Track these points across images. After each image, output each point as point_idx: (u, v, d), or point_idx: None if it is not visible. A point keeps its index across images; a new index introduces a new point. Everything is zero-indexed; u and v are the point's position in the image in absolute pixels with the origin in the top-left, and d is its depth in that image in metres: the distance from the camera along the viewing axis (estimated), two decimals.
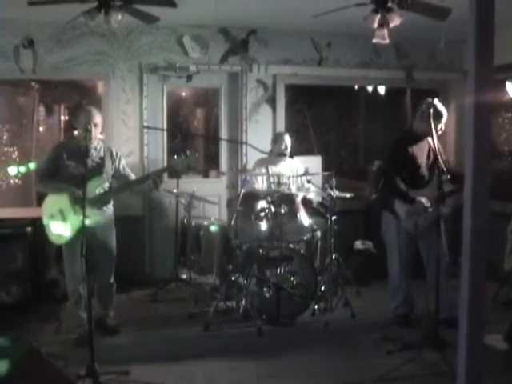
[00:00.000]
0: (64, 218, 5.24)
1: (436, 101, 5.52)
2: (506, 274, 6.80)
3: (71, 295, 5.47)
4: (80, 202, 5.02)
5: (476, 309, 2.42)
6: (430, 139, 5.77)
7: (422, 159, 5.80)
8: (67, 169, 5.33)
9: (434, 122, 5.35)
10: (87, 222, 5.09)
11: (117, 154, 5.66)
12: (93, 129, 5.33)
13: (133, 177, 5.69)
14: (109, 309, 5.76)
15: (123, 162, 5.69)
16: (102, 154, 5.52)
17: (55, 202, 5.31)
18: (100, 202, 5.36)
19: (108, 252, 5.58)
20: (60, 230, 5.25)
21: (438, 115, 5.51)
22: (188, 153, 5.35)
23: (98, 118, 5.41)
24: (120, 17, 5.32)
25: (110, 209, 5.60)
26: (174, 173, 6.22)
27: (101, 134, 5.53)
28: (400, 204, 5.70)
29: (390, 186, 5.79)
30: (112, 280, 5.72)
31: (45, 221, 5.34)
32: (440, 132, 5.64)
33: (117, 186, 5.59)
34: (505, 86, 7.15)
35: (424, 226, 5.58)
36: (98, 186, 5.35)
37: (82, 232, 4.43)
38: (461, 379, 2.54)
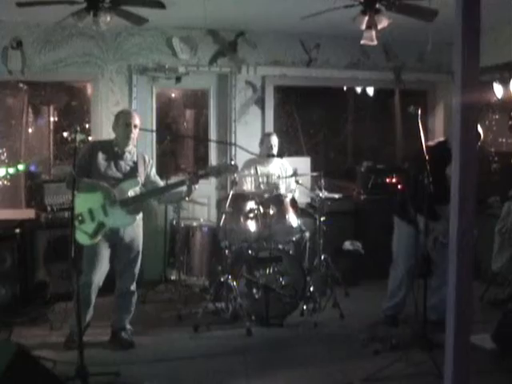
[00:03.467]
0: (93, 218, 5.10)
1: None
2: (493, 274, 6.84)
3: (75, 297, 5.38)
4: (113, 202, 5.05)
5: (463, 309, 2.44)
6: None
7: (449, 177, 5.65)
8: (100, 169, 5.20)
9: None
10: (117, 224, 5.15)
11: (149, 160, 5.56)
12: (133, 130, 5.27)
13: (161, 184, 5.60)
14: (126, 319, 5.54)
15: (154, 169, 5.59)
16: (135, 158, 5.40)
17: (85, 201, 5.12)
18: (132, 204, 5.23)
19: (133, 258, 5.44)
20: (89, 229, 5.07)
21: (478, 135, 5.39)
22: (228, 161, 5.26)
23: (137, 120, 5.33)
24: (109, 18, 5.31)
25: (140, 213, 5.46)
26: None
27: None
28: (422, 219, 5.36)
29: (419, 200, 5.56)
30: (133, 288, 5.52)
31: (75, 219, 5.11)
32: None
33: (150, 190, 5.43)
34: (492, 87, 7.19)
35: (443, 242, 5.41)
36: (130, 188, 5.22)
37: (71, 232, 4.38)
38: (448, 379, 2.57)
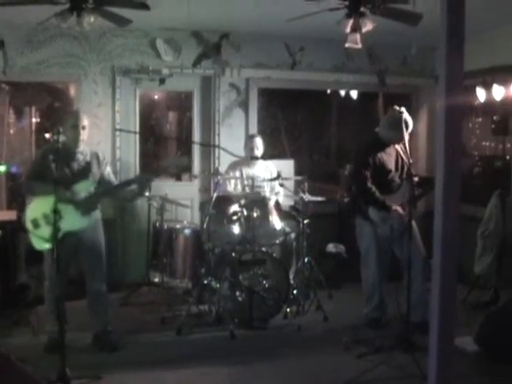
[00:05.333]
0: (48, 223, 5.03)
1: (403, 109, 5.60)
2: (476, 277, 6.88)
3: (47, 300, 5.38)
4: (66, 204, 4.99)
5: (447, 312, 2.45)
6: (397, 146, 5.85)
7: (391, 165, 5.85)
8: (53, 172, 5.06)
9: (404, 130, 5.43)
10: (72, 227, 5.09)
11: (104, 158, 5.53)
12: (81, 131, 5.24)
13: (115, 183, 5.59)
14: (104, 320, 5.51)
15: (109, 168, 5.57)
16: (88, 158, 5.38)
17: (39, 205, 5.13)
18: (86, 206, 5.21)
19: (97, 258, 5.42)
20: (45, 234, 5.02)
21: (407, 123, 5.57)
22: (173, 156, 5.28)
23: (85, 121, 5.31)
24: (92, 19, 5.26)
25: (97, 213, 5.45)
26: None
27: None
28: (374, 211, 5.74)
29: (365, 194, 5.80)
30: (104, 288, 5.51)
31: (28, 225, 5.15)
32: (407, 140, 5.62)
33: (102, 190, 5.41)
34: (475, 91, 7.23)
35: (399, 229, 5.61)
36: (84, 190, 5.21)
37: (54, 235, 4.40)
38: (431, 381, 2.57)
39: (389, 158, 5.85)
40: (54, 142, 5.14)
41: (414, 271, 5.33)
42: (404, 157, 5.80)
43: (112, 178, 5.59)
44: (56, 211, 4.42)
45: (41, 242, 5.06)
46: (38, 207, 5.13)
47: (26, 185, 5.34)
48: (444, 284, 2.47)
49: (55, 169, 5.02)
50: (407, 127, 5.55)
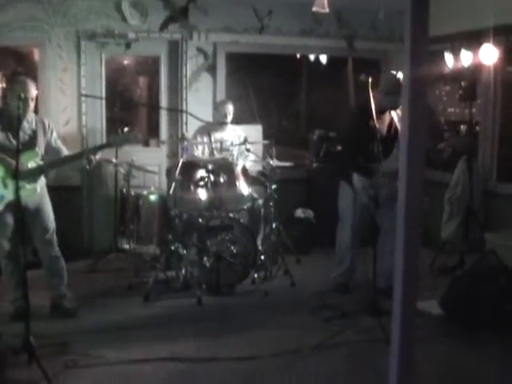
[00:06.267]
0: None
1: (400, 74, 5.50)
2: (442, 243, 6.94)
3: (4, 270, 5.35)
4: (13, 175, 4.89)
5: (410, 276, 2.45)
6: (392, 112, 5.79)
7: (383, 132, 5.79)
8: None
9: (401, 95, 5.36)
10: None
11: (49, 125, 5.38)
12: (30, 103, 5.09)
13: (65, 150, 5.43)
14: (60, 286, 5.47)
15: (55, 134, 5.42)
16: (34, 126, 5.24)
17: None
18: (32, 176, 5.14)
19: (44, 226, 5.36)
20: None
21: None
22: (126, 129, 5.25)
23: (33, 90, 5.15)
24: None
25: (42, 181, 5.34)
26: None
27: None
28: (357, 177, 5.71)
29: (349, 158, 5.77)
30: (56, 253, 5.44)
31: None
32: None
33: (49, 162, 5.30)
34: (443, 57, 7.21)
35: (382, 200, 5.51)
36: (30, 160, 5.10)
37: (16, 206, 4.35)
38: (394, 345, 2.59)
39: (382, 124, 5.77)
40: (3, 110, 5.04)
41: (386, 238, 5.36)
42: (398, 124, 5.70)
43: (59, 144, 5.44)
44: (16, 178, 4.33)
45: None
46: None
47: (17, 151, 5.16)
48: (407, 249, 2.46)
49: (2, 138, 5.01)
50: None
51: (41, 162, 5.23)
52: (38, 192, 5.24)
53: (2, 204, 4.98)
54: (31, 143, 5.18)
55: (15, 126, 4.92)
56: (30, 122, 5.23)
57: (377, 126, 5.39)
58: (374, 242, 5.34)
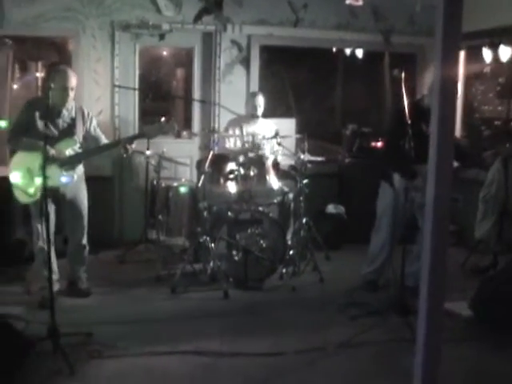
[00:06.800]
0: (32, 177, 5.15)
1: None
2: (476, 242, 6.82)
3: (38, 255, 5.41)
4: (51, 161, 4.98)
5: (437, 275, 2.39)
6: None
7: (427, 133, 5.64)
8: (37, 128, 5.20)
9: None
10: (56, 183, 5.13)
11: (88, 114, 5.53)
12: (70, 93, 5.25)
13: (103, 138, 5.59)
14: (80, 271, 5.68)
15: (94, 122, 5.58)
16: (73, 114, 5.40)
17: (24, 160, 5.21)
18: (70, 163, 5.27)
19: (78, 213, 5.52)
20: (28, 188, 5.17)
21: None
22: (163, 119, 5.33)
23: (74, 80, 5.30)
24: None
25: (80, 169, 5.51)
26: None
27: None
28: (398, 178, 5.61)
29: (391, 158, 5.67)
30: (84, 242, 5.63)
31: (12, 179, 5.23)
32: None
33: (86, 150, 5.47)
34: (481, 52, 7.08)
35: (421, 202, 5.39)
36: (68, 147, 5.25)
37: (43, 193, 4.40)
38: (420, 345, 2.53)
39: (426, 126, 5.61)
40: (43, 98, 5.11)
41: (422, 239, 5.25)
42: None
43: (98, 132, 5.60)
44: (43, 168, 4.38)
45: (24, 195, 5.21)
46: (22, 161, 5.22)
47: (13, 137, 5.34)
48: (434, 247, 2.40)
49: (41, 126, 5.10)
50: None
51: (79, 150, 5.38)
52: (75, 180, 5.35)
53: (40, 191, 5.03)
54: (70, 131, 5.34)
55: (54, 114, 5.02)
56: (69, 110, 5.39)
57: (420, 127, 5.26)
58: (411, 240, 5.25)
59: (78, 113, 5.42)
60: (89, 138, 5.50)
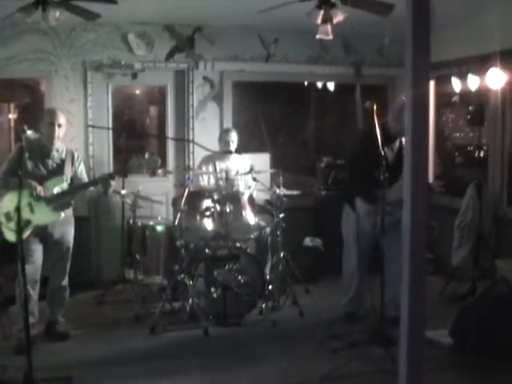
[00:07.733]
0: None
1: None
2: (453, 269, 6.85)
3: (19, 298, 5.32)
4: (39, 199, 5.09)
5: (416, 304, 2.39)
6: (403, 139, 5.71)
7: (390, 159, 5.71)
8: (27, 168, 5.23)
9: None
10: (42, 221, 5.20)
11: (78, 157, 5.61)
12: (57, 129, 5.32)
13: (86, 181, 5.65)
14: (58, 313, 5.63)
15: (82, 166, 5.64)
16: (63, 156, 5.48)
17: (13, 200, 5.09)
18: (57, 201, 5.26)
19: (63, 253, 5.53)
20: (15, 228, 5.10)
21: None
22: (146, 155, 5.38)
23: (62, 119, 5.39)
24: (58, 14, 5.17)
25: (69, 210, 5.52)
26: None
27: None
28: (361, 202, 5.67)
29: (354, 183, 5.75)
30: (65, 283, 5.61)
31: (1, 218, 5.21)
32: None
33: (72, 186, 5.48)
34: (450, 81, 7.18)
35: (386, 227, 5.35)
36: (56, 186, 5.28)
37: (19, 233, 4.39)
38: (402, 376, 2.52)
39: (390, 152, 5.71)
40: (28, 139, 5.14)
41: (394, 267, 5.25)
42: None
43: (84, 176, 5.66)
44: (19, 209, 4.41)
45: (13, 234, 5.08)
46: (11, 201, 5.10)
47: (2, 180, 5.33)
48: (413, 276, 2.41)
49: (31, 166, 5.23)
50: None
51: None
52: (62, 218, 5.34)
53: (28, 228, 5.06)
54: (59, 171, 5.41)
55: (44, 154, 5.24)
56: (59, 151, 5.48)
57: (383, 152, 5.30)
58: (380, 269, 5.26)
59: (67, 155, 5.50)
60: (75, 179, 5.53)
